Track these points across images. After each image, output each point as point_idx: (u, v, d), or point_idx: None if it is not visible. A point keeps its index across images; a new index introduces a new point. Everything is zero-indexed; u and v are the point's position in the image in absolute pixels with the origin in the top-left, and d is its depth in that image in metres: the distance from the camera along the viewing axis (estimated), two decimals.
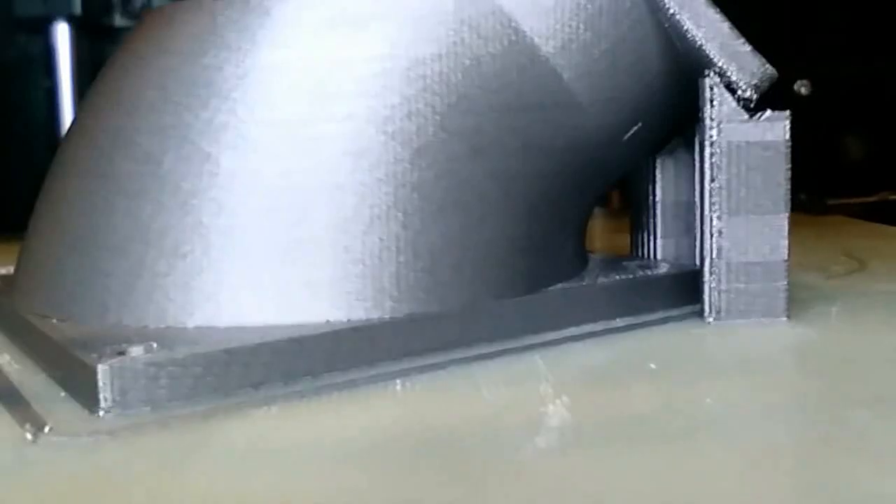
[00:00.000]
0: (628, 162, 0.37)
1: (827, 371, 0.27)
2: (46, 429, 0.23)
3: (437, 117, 0.29)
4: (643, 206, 0.39)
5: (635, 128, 0.34)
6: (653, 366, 0.27)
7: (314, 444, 0.22)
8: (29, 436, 0.22)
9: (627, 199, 0.41)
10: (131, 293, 0.28)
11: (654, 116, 0.35)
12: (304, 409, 0.24)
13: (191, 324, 0.28)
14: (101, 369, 0.24)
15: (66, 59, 0.73)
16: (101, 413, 0.24)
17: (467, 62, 0.30)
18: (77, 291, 0.29)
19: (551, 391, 0.24)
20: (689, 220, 0.37)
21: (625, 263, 0.37)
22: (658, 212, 0.38)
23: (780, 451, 0.21)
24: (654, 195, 0.38)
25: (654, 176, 0.38)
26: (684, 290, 0.35)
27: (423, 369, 0.27)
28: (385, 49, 0.29)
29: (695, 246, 0.37)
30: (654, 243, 0.39)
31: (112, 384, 0.24)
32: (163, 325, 0.28)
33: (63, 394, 0.26)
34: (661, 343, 0.30)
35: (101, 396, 0.24)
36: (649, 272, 0.35)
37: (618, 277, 0.34)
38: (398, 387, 0.26)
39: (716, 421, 0.22)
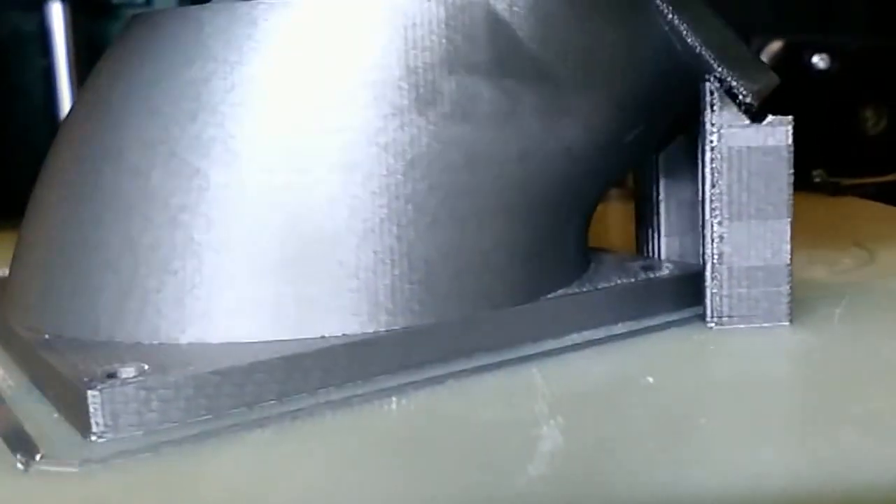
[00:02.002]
0: (631, 163, 0.37)
1: (825, 386, 0.27)
2: (38, 456, 0.23)
3: (431, 128, 0.29)
4: (647, 203, 0.39)
5: (637, 130, 0.34)
6: (650, 379, 0.27)
7: (306, 468, 0.22)
8: (20, 465, 0.22)
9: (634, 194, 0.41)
10: (123, 309, 0.29)
11: (656, 117, 0.35)
12: (296, 430, 0.24)
13: (183, 340, 0.28)
14: (92, 395, 0.24)
15: (61, 37, 0.73)
16: (94, 438, 0.24)
17: (462, 71, 0.30)
18: (68, 306, 0.30)
19: (546, 410, 0.25)
20: (693, 218, 0.37)
21: (627, 264, 0.37)
22: (662, 210, 0.39)
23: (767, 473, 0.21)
24: (658, 193, 0.39)
25: (658, 174, 0.38)
26: (687, 292, 0.35)
27: (419, 384, 0.27)
28: (376, 59, 0.29)
29: (697, 244, 0.37)
30: (658, 241, 0.39)
31: (103, 409, 0.24)
32: (155, 342, 0.28)
33: (56, 415, 0.26)
34: (660, 352, 0.30)
35: (92, 422, 0.24)
36: (652, 274, 0.36)
37: (619, 281, 0.35)
38: (393, 405, 0.26)
39: (704, 443, 0.23)
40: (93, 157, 0.30)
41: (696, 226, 0.37)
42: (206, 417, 0.25)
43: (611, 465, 0.21)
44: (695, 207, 0.37)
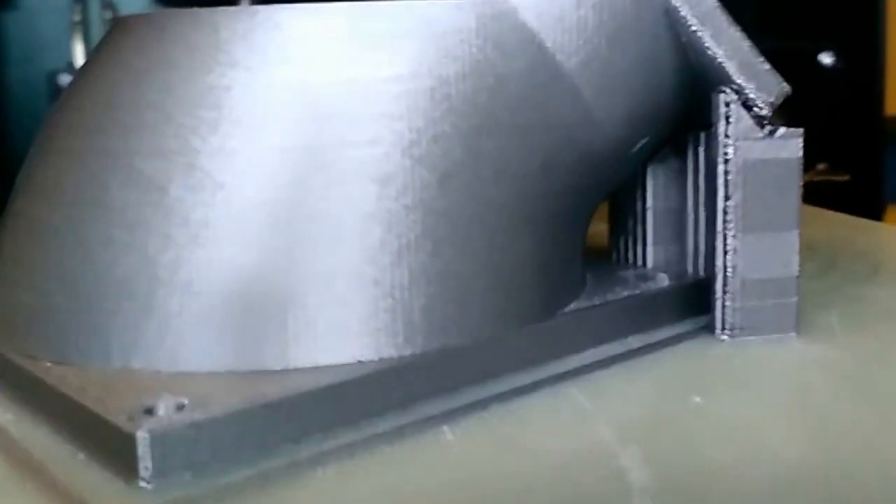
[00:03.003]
0: (629, 173, 0.36)
1: (866, 395, 0.28)
2: None
3: (463, 139, 0.28)
4: (630, 213, 0.39)
5: (643, 141, 0.34)
6: (698, 399, 0.27)
7: None
8: None
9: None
10: (140, 335, 0.27)
11: (660, 129, 0.34)
12: (361, 467, 0.23)
13: (210, 368, 0.26)
14: (141, 436, 0.22)
15: None
16: (143, 484, 0.22)
17: (492, 80, 0.29)
18: (73, 332, 0.27)
19: (613, 437, 0.24)
20: (678, 227, 0.38)
21: (622, 274, 0.37)
22: (649, 218, 0.38)
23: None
24: (645, 202, 0.38)
25: (645, 183, 0.38)
26: (687, 302, 0.35)
27: (465, 410, 0.27)
28: (408, 68, 0.28)
29: (685, 254, 0.37)
30: (644, 250, 0.39)
31: (153, 451, 0.22)
32: (175, 370, 0.26)
33: (81, 455, 0.24)
34: (689, 369, 0.30)
35: (140, 466, 0.22)
36: (653, 285, 0.35)
37: (626, 293, 0.34)
38: (448, 435, 0.25)
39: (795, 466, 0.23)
40: (96, 169, 0.28)
41: (681, 235, 0.37)
42: (253, 455, 0.24)
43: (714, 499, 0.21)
44: (681, 216, 0.37)
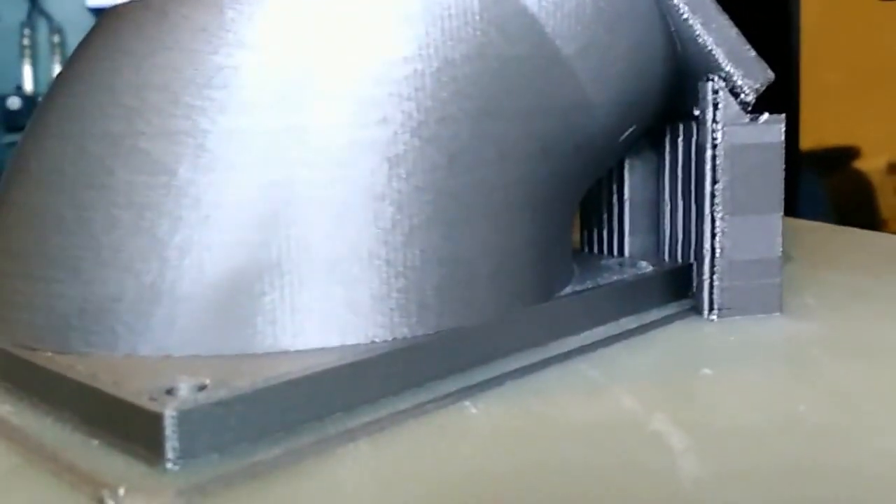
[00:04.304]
0: (613, 162, 0.36)
1: (862, 361, 0.28)
2: (121, 491, 0.19)
3: (470, 121, 0.28)
4: (605, 204, 0.39)
5: (631, 129, 0.34)
6: (707, 370, 0.27)
7: (432, 480, 0.20)
8: (111, 502, 0.19)
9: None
10: (148, 319, 0.25)
11: (647, 118, 0.34)
12: (392, 441, 0.22)
13: (224, 350, 0.25)
14: (169, 415, 0.21)
15: None
16: (169, 466, 0.21)
17: (496, 64, 0.29)
18: (75, 319, 0.26)
19: (638, 407, 0.24)
20: (653, 217, 0.38)
21: (604, 263, 0.37)
22: (627, 209, 0.38)
23: None
24: (622, 193, 0.39)
25: (623, 174, 0.38)
26: (670, 287, 0.36)
27: (482, 386, 0.26)
28: (415, 50, 0.27)
29: (661, 242, 0.38)
30: (621, 240, 0.39)
31: (180, 431, 0.21)
32: (187, 354, 0.25)
33: (95, 442, 0.22)
34: (689, 345, 0.31)
35: (167, 447, 0.21)
36: (638, 271, 0.35)
37: (615, 278, 0.34)
38: (472, 409, 0.24)
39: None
40: (100, 152, 0.26)
41: (656, 224, 0.38)
42: (278, 434, 0.23)
43: (760, 458, 0.20)
44: (656, 207, 0.37)
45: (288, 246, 0.26)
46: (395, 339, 0.27)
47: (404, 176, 0.27)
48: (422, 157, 0.27)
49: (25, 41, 0.69)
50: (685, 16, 0.31)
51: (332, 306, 0.26)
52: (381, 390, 0.25)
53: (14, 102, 0.66)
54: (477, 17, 0.29)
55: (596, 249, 0.40)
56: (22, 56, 0.69)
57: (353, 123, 0.27)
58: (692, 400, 0.25)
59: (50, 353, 0.26)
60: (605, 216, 0.39)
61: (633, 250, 0.39)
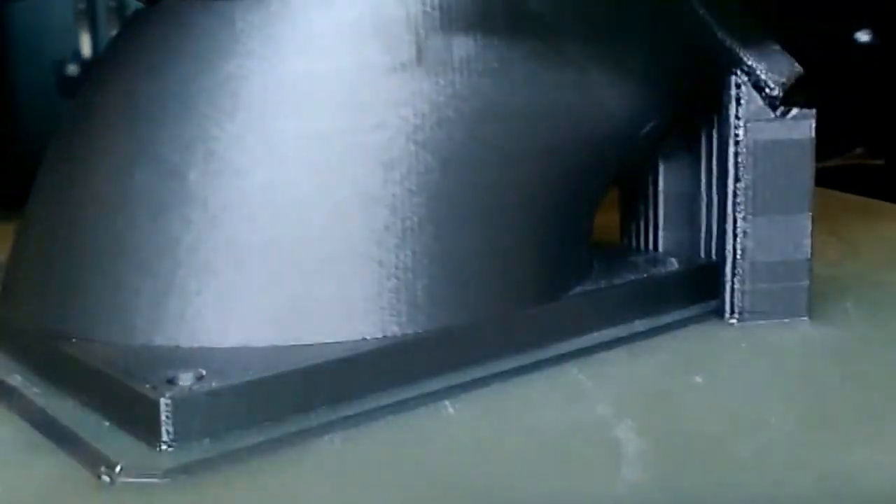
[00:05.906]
0: (637, 157, 0.41)
1: (875, 381, 0.31)
2: (117, 468, 0.26)
3: (466, 123, 0.33)
4: (641, 196, 0.42)
5: (651, 124, 0.38)
6: (698, 379, 0.31)
7: (397, 477, 0.25)
8: (106, 479, 0.25)
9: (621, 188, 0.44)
10: (161, 312, 0.31)
11: (668, 112, 0.38)
12: (366, 435, 0.27)
13: (226, 343, 0.31)
14: (164, 402, 0.27)
15: None
16: (163, 447, 0.27)
17: (496, 65, 0.33)
18: (99, 309, 0.32)
19: (610, 412, 0.29)
20: (691, 211, 0.40)
21: (631, 259, 0.40)
22: (661, 202, 0.41)
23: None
24: (657, 186, 0.41)
25: (658, 166, 0.41)
26: (696, 286, 0.38)
27: (466, 387, 0.30)
28: (412, 55, 0.33)
29: (697, 238, 0.40)
30: (656, 234, 0.42)
31: (174, 417, 0.27)
32: (195, 345, 0.31)
33: (107, 423, 0.29)
34: (695, 351, 0.34)
35: (163, 430, 0.27)
36: (661, 269, 0.39)
37: (632, 277, 0.38)
38: (449, 409, 0.30)
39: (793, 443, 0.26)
40: (123, 156, 0.33)
41: (693, 219, 0.40)
42: (265, 423, 0.28)
43: (708, 466, 0.25)
44: (693, 201, 0.40)
45: (286, 247, 0.32)
46: (385, 336, 0.32)
47: (398, 179, 0.32)
48: (416, 161, 0.32)
49: (81, 5, 0.76)
50: (701, 11, 0.35)
51: (326, 304, 0.31)
52: (367, 386, 0.30)
53: (71, 68, 0.74)
54: (479, 18, 0.34)
55: (633, 242, 0.42)
56: (78, 21, 0.77)
57: (351, 129, 0.32)
58: (665, 408, 0.28)
59: (75, 340, 0.33)
60: (642, 208, 0.42)
61: (666, 245, 0.41)
